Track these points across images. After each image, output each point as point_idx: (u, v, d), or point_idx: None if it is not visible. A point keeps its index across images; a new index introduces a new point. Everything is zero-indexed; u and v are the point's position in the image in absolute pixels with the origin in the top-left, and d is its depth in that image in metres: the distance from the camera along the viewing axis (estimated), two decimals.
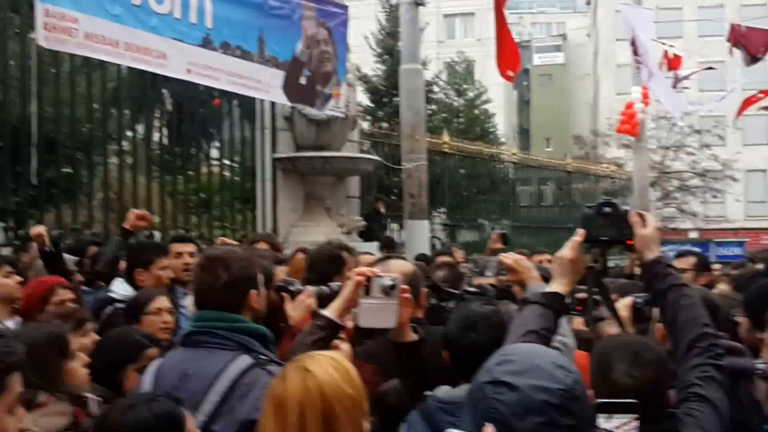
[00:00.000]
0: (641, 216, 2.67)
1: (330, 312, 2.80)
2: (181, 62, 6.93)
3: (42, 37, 6.26)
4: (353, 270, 2.99)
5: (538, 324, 2.48)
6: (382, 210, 14.41)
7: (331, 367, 2.11)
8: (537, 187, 22.37)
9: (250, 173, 11.33)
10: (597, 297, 2.80)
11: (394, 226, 14.85)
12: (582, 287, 2.74)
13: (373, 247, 10.27)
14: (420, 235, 11.09)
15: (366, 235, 11.78)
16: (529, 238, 17.52)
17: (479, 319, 2.88)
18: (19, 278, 4.50)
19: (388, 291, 2.81)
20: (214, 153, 12.33)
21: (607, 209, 2.69)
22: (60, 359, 2.92)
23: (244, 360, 2.62)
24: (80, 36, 6.39)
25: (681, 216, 32.04)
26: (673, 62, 21.65)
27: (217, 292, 2.72)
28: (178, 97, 10.97)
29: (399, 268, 3.28)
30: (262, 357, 2.67)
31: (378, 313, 2.83)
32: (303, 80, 8.07)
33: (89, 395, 2.95)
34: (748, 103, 21.57)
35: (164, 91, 11.13)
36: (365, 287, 2.81)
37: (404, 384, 2.85)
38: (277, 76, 7.74)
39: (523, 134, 58.23)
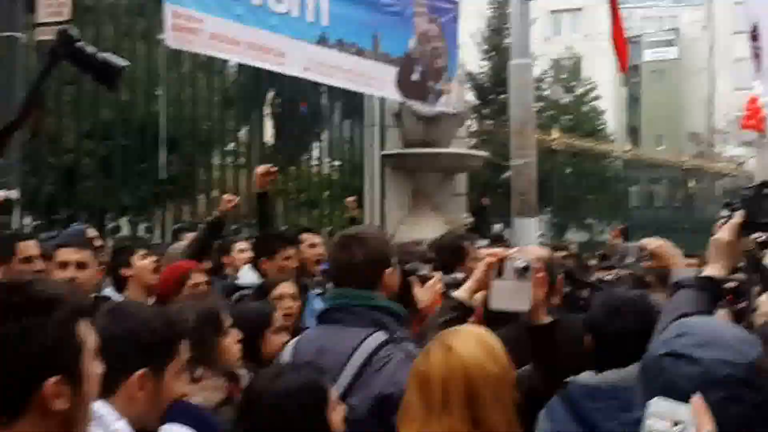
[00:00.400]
0: None
1: (461, 294, 2.83)
2: (299, 60, 7.25)
3: (170, 38, 6.65)
4: (485, 251, 3.02)
5: (692, 308, 2.32)
6: (488, 205, 14.47)
7: (474, 343, 2.15)
8: (648, 186, 21.94)
9: (357, 171, 11.62)
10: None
11: (498, 226, 14.87)
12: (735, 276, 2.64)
13: (481, 244, 10.37)
14: (528, 233, 11.08)
15: (472, 233, 11.88)
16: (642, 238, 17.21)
17: (626, 304, 2.84)
18: (154, 261, 4.80)
19: (521, 273, 2.78)
20: (318, 153, 12.68)
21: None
22: (215, 336, 3.03)
23: (379, 336, 2.71)
24: (205, 36, 6.77)
25: None
26: None
27: (353, 269, 2.83)
28: (285, 98, 11.37)
29: (535, 252, 3.33)
30: (397, 334, 2.76)
31: (510, 296, 2.80)
32: (415, 76, 8.30)
33: (241, 371, 3.11)
34: None
35: (271, 92, 11.55)
36: (497, 269, 2.81)
37: (538, 369, 2.82)
38: (391, 73, 7.98)
39: (633, 133, 56.83)
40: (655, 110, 56.13)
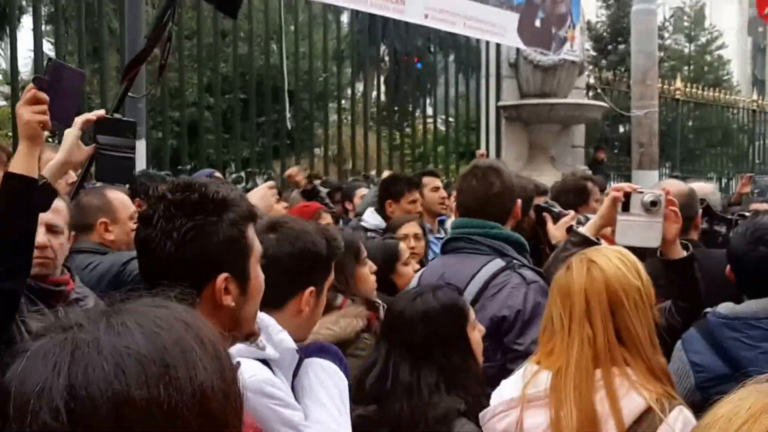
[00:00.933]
0: None
1: (586, 229, 2.82)
2: (419, 8, 7.20)
3: None
4: (613, 186, 2.98)
5: None
6: (604, 159, 14.12)
7: (616, 258, 2.13)
8: None
9: (471, 125, 11.52)
10: None
11: (614, 181, 14.50)
12: None
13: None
14: (650, 186, 10.82)
15: None
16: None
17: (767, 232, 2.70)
18: (285, 204, 4.92)
19: (650, 207, 2.71)
20: (432, 108, 12.62)
21: None
22: (354, 264, 3.10)
23: (497, 263, 2.81)
24: None
25: None
26: None
27: (491, 200, 2.90)
28: (398, 53, 11.32)
29: (675, 187, 3.27)
30: (516, 261, 2.83)
31: (638, 231, 2.75)
32: (538, 23, 8.12)
33: (379, 300, 3.16)
34: None
35: (383, 48, 11.52)
36: (624, 203, 2.76)
37: (675, 304, 2.79)
38: (513, 19, 7.84)
39: (759, 85, 54.09)
40: None
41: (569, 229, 3.21)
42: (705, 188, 4.04)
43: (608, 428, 1.95)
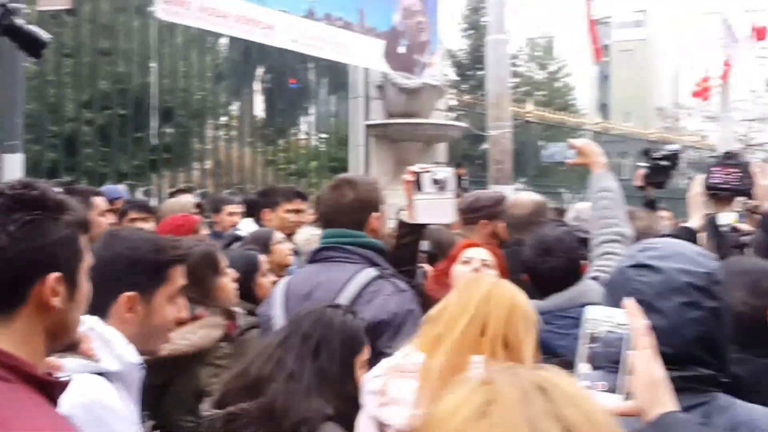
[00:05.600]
0: (762, 167, 2.73)
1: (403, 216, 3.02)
2: (287, 33, 7.27)
3: (161, 10, 6.64)
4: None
5: None
6: (464, 176, 14.59)
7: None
8: (617, 159, 22.08)
9: (342, 142, 11.69)
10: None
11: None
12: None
13: None
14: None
15: None
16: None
17: (555, 242, 2.91)
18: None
19: (441, 184, 2.83)
20: (307, 126, 12.76)
21: (729, 160, 2.75)
22: (213, 275, 3.05)
23: (370, 272, 2.75)
24: (195, 8, 6.75)
25: None
26: (760, 33, 21.01)
27: (342, 209, 2.85)
28: (274, 74, 11.41)
29: (526, 197, 3.50)
30: (386, 270, 2.80)
31: (433, 208, 2.86)
32: (401, 49, 8.36)
33: (237, 309, 3.15)
34: None
35: (261, 68, 11.58)
36: (417, 183, 2.87)
37: None
38: (378, 46, 8.03)
39: (603, 109, 57.10)
40: (624, 88, 56.39)
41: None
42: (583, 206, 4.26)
43: None
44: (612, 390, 1.41)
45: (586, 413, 0.87)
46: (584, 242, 3.02)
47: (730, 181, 2.75)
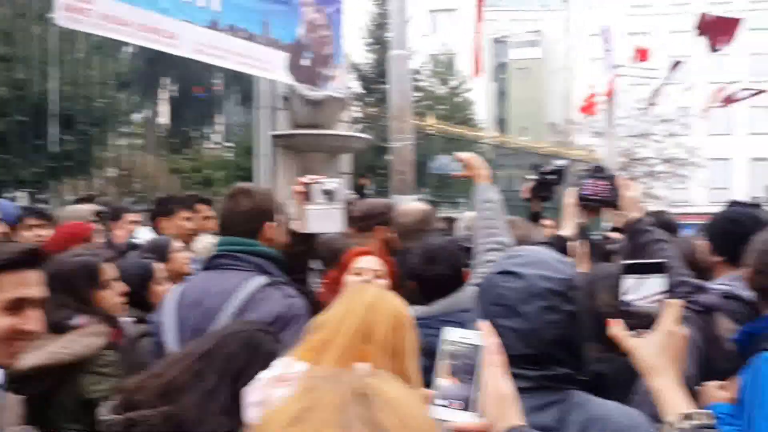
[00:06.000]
0: (627, 180, 2.89)
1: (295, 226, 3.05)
2: (191, 42, 7.12)
3: (61, 17, 6.39)
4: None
5: None
6: (367, 185, 14.68)
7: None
8: (514, 171, 22.64)
9: (249, 152, 11.55)
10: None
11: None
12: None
13: None
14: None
15: None
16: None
17: (439, 250, 3.04)
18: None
19: (330, 195, 2.89)
20: (216, 136, 12.57)
21: (599, 173, 2.88)
22: (91, 286, 2.97)
23: (260, 280, 2.75)
24: (96, 16, 6.52)
25: (648, 200, 32.46)
26: (642, 54, 22.02)
27: (237, 218, 2.85)
28: (181, 84, 11.19)
29: (415, 206, 3.55)
30: (277, 278, 2.80)
31: (323, 218, 2.90)
32: (305, 62, 8.32)
33: (123, 318, 3.08)
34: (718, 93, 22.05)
35: (167, 78, 11.34)
36: (307, 194, 2.92)
37: None
38: (281, 58, 7.97)
39: (501, 124, 58.53)
40: (521, 104, 57.98)
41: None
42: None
43: None
44: (467, 407, 1.44)
45: (403, 418, 0.88)
46: (468, 250, 3.08)
47: (599, 193, 2.84)
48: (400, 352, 2.12)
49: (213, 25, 7.41)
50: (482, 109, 41.03)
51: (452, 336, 1.49)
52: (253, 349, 2.18)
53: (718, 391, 2.49)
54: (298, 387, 0.93)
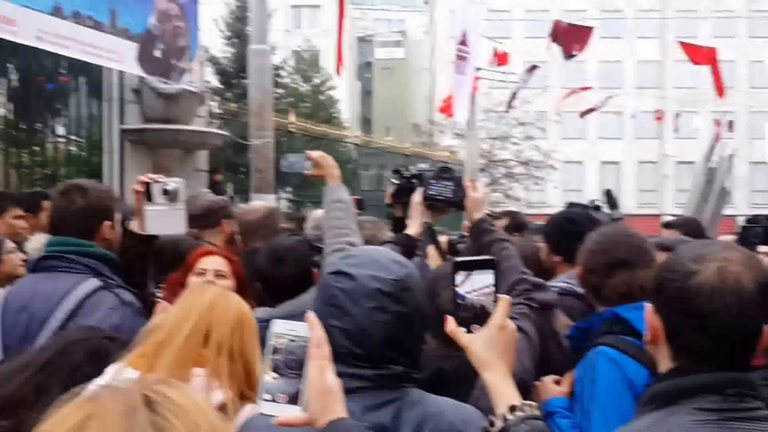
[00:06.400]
0: (472, 181, 2.99)
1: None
2: (31, 29, 6.74)
3: None
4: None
5: None
6: (221, 181, 14.43)
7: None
8: (378, 171, 22.97)
9: (97, 147, 11.08)
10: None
11: (241, 203, 14.87)
12: None
13: None
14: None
15: None
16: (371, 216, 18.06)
17: (287, 251, 3.05)
18: None
19: (172, 195, 2.85)
20: (62, 129, 11.95)
21: (446, 174, 2.97)
22: None
23: (92, 282, 2.65)
24: None
25: (507, 201, 33.69)
26: (501, 59, 22.88)
27: (71, 217, 2.74)
28: (24, 73, 10.56)
29: (259, 204, 3.52)
30: (111, 281, 2.71)
31: (164, 219, 2.85)
32: (157, 53, 8.06)
33: None
34: (567, 97, 23.24)
35: (10, 65, 10.67)
36: (147, 194, 2.85)
37: None
38: (131, 48, 7.68)
39: (366, 123, 59.15)
40: (385, 104, 58.87)
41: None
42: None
43: None
44: (294, 400, 1.46)
45: (190, 425, 0.88)
46: (320, 250, 3.08)
47: (444, 193, 2.93)
48: (241, 355, 2.12)
49: (56, 12, 7.03)
50: (346, 108, 41.32)
51: (279, 329, 1.51)
52: (100, 359, 2.05)
53: (554, 386, 2.61)
54: (80, 397, 0.90)
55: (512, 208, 33.26)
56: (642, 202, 45.92)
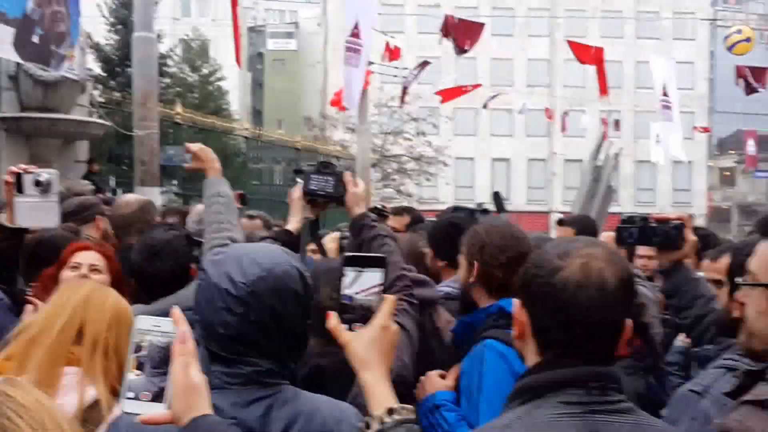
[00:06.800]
0: (353, 177, 2.95)
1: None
2: None
3: None
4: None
5: None
6: (97, 171, 14.06)
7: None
8: (269, 165, 22.88)
9: None
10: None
11: (125, 195, 14.55)
12: None
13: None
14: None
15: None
16: (262, 211, 17.95)
17: (163, 245, 2.96)
18: None
19: (44, 186, 2.79)
20: None
21: (327, 169, 2.93)
22: None
23: None
24: None
25: (399, 197, 34.10)
26: (393, 53, 23.19)
27: None
28: None
29: (133, 198, 3.49)
30: None
31: (35, 212, 2.80)
32: (36, 39, 7.81)
33: None
34: (457, 92, 23.70)
35: None
36: (18, 185, 2.79)
37: None
38: (8, 33, 7.41)
39: (257, 116, 58.56)
40: (277, 96, 58.43)
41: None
42: None
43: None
44: (158, 398, 1.47)
45: (35, 423, 0.90)
46: (199, 245, 3.07)
47: (325, 188, 2.93)
48: (116, 352, 2.14)
49: None
50: (236, 100, 40.82)
51: (144, 325, 1.51)
52: None
53: (440, 380, 2.65)
54: None
55: (404, 203, 33.80)
56: (531, 199, 47.56)
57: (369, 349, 1.64)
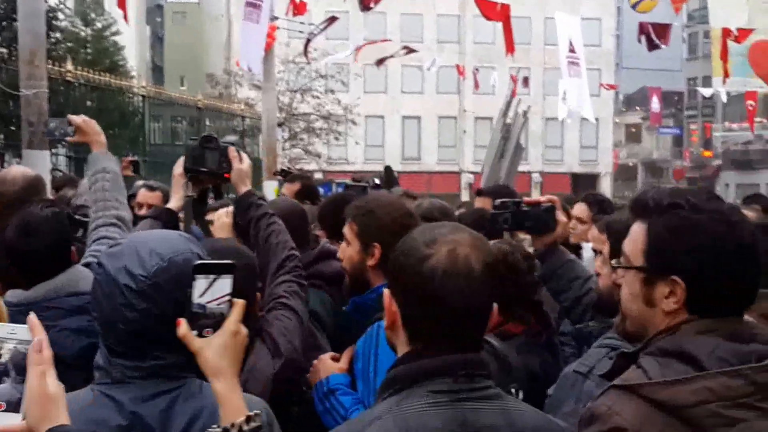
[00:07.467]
0: (239, 152, 2.89)
1: None
2: None
3: None
4: None
5: None
6: None
7: None
8: (170, 124, 22.37)
9: None
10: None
11: (14, 159, 14.05)
12: None
13: None
14: (41, 165, 10.71)
15: None
16: (163, 175, 17.60)
17: (40, 223, 2.74)
18: None
19: None
20: None
21: (209, 144, 2.86)
22: None
23: None
24: None
25: (307, 157, 33.95)
26: (299, 8, 22.91)
27: None
28: None
29: (20, 172, 3.35)
30: None
31: None
32: None
33: None
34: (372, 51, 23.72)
35: None
36: None
37: None
38: None
39: (157, 71, 56.99)
40: (178, 51, 57.02)
41: None
42: None
43: None
44: (15, 408, 1.45)
45: None
46: (83, 225, 3.01)
47: (207, 164, 2.85)
48: None
49: None
50: (134, 56, 39.59)
51: (1, 332, 1.48)
52: None
53: (333, 363, 2.66)
54: None
55: (313, 165, 33.70)
56: (442, 159, 48.09)
57: (221, 356, 1.66)
